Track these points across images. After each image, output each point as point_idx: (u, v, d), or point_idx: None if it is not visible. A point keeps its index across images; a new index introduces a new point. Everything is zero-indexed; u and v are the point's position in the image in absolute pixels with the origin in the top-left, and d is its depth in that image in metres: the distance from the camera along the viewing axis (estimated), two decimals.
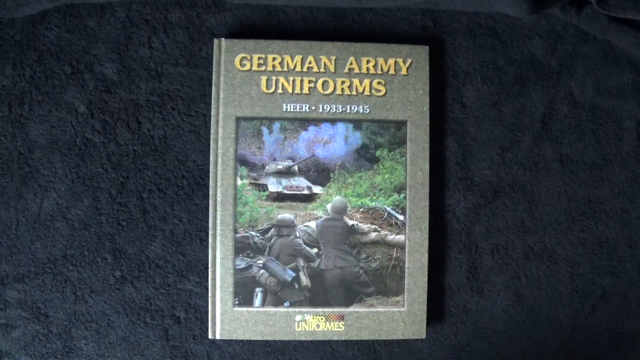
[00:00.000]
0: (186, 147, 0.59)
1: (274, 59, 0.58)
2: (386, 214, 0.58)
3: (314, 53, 0.58)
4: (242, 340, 0.59)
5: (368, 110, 0.58)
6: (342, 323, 0.58)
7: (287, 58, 0.58)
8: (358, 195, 0.58)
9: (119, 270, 0.59)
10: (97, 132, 0.59)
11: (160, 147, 0.59)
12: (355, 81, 0.58)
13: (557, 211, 0.61)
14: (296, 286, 0.57)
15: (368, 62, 0.58)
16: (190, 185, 0.59)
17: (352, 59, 0.58)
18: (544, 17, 0.61)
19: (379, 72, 0.58)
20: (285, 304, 0.57)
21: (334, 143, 0.58)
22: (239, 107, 0.57)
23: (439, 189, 0.60)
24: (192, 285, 0.59)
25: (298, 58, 0.58)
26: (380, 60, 0.58)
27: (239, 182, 0.57)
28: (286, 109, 0.58)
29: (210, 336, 0.57)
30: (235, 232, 0.57)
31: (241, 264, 0.57)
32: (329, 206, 0.58)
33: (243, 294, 0.57)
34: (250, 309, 0.57)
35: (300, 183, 0.58)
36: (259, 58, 0.58)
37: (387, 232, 0.58)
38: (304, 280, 0.58)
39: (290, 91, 0.58)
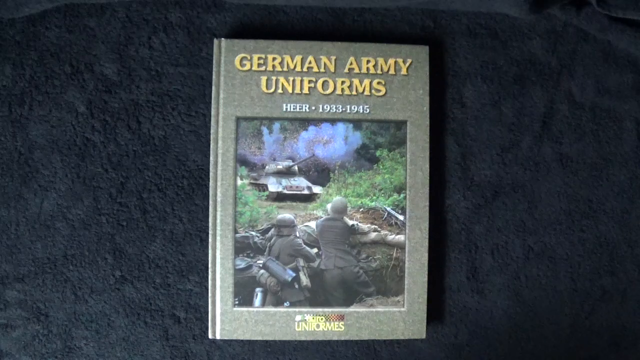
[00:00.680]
0: (186, 147, 0.59)
1: (274, 59, 0.58)
2: (386, 214, 0.58)
3: (314, 53, 0.58)
4: (242, 340, 0.59)
5: (368, 110, 0.58)
6: (342, 323, 0.58)
7: (287, 58, 0.58)
8: (358, 195, 0.58)
9: (119, 270, 0.59)
10: (97, 132, 0.59)
11: (160, 147, 0.59)
12: (355, 81, 0.58)
13: (557, 211, 0.61)
14: (296, 286, 0.57)
15: (368, 62, 0.58)
16: (190, 185, 0.59)
17: (352, 59, 0.58)
18: (544, 17, 0.61)
19: (379, 72, 0.58)
20: (285, 304, 0.57)
21: (334, 143, 0.58)
22: (239, 107, 0.57)
23: (439, 189, 0.60)
24: (192, 285, 0.59)
25: (298, 58, 0.58)
26: (380, 60, 0.58)
27: (239, 182, 0.57)
28: (286, 109, 0.58)
29: (210, 336, 0.57)
30: (235, 232, 0.57)
31: (241, 264, 0.57)
32: (329, 206, 0.58)
33: (243, 294, 0.57)
34: (250, 309, 0.57)
35: (300, 183, 0.58)
36: (259, 58, 0.58)
37: (387, 232, 0.58)
38: (304, 280, 0.58)
39: (290, 91, 0.58)
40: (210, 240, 0.57)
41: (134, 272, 0.59)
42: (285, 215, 0.58)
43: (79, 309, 0.59)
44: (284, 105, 0.58)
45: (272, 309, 0.57)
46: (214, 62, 0.58)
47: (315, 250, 0.58)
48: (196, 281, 0.59)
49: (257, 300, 0.57)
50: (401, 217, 0.58)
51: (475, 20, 0.61)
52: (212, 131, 0.58)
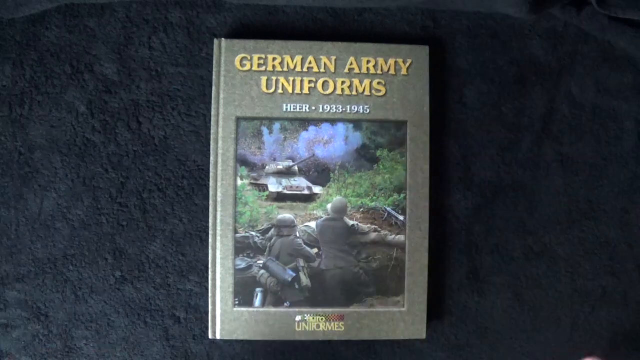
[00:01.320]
0: (186, 147, 0.59)
1: (274, 59, 0.58)
2: (386, 214, 0.58)
3: (314, 53, 0.58)
4: (242, 340, 0.59)
5: (368, 110, 0.58)
6: (342, 323, 0.58)
7: (287, 58, 0.58)
8: (358, 195, 0.58)
9: (119, 270, 0.59)
10: (97, 132, 0.59)
11: (160, 147, 0.59)
12: (355, 81, 0.58)
13: (557, 211, 0.61)
14: (296, 286, 0.57)
15: (368, 62, 0.58)
16: (190, 185, 0.59)
17: (352, 59, 0.58)
18: (544, 17, 0.61)
19: (379, 72, 0.58)
20: (285, 304, 0.57)
21: (334, 143, 0.58)
22: (239, 107, 0.57)
23: (439, 189, 0.60)
24: (192, 285, 0.59)
25: (298, 58, 0.58)
26: (380, 60, 0.58)
27: (239, 182, 0.57)
28: (286, 109, 0.58)
29: (210, 336, 0.57)
30: (235, 232, 0.57)
31: (241, 264, 0.57)
32: (329, 206, 0.58)
33: (243, 294, 0.57)
34: (250, 309, 0.57)
35: (300, 183, 0.58)
36: (259, 58, 0.58)
37: (387, 232, 0.58)
38: (304, 280, 0.58)
39: (290, 91, 0.58)
40: (210, 240, 0.57)
41: (134, 272, 0.59)
42: (285, 215, 0.58)
43: (79, 309, 0.59)
44: (284, 105, 0.58)
45: (272, 309, 0.57)
46: (214, 62, 0.58)
47: (315, 250, 0.58)
48: (196, 281, 0.59)
49: (257, 300, 0.57)
50: (401, 217, 0.58)
51: (475, 20, 0.61)
52: (212, 131, 0.58)
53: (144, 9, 0.59)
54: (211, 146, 0.57)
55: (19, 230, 0.58)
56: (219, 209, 0.57)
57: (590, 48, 0.61)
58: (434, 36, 0.61)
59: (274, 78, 0.58)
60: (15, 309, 0.58)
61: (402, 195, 0.58)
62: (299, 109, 0.58)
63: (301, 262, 0.58)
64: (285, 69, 0.58)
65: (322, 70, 0.58)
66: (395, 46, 0.59)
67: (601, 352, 0.61)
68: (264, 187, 0.58)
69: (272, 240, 0.58)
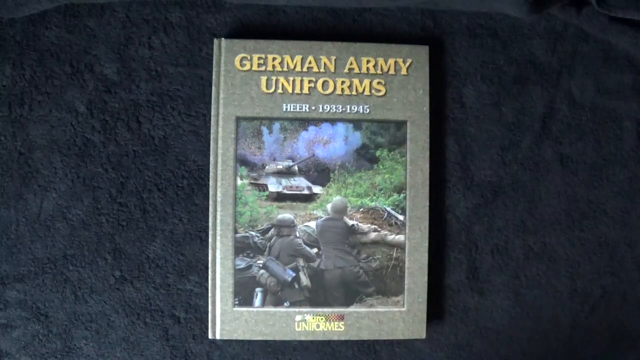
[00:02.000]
0: (186, 147, 0.59)
1: (274, 59, 0.58)
2: (386, 214, 0.58)
3: (314, 53, 0.58)
4: (242, 340, 0.59)
5: (368, 110, 0.58)
6: (342, 323, 0.58)
7: (287, 58, 0.58)
8: (358, 195, 0.58)
9: (119, 270, 0.59)
10: (97, 132, 0.59)
11: (160, 147, 0.59)
12: (355, 81, 0.58)
13: (557, 211, 0.61)
14: (296, 286, 0.57)
15: (368, 62, 0.58)
16: (190, 185, 0.59)
17: (352, 59, 0.58)
18: (544, 17, 0.61)
19: (379, 72, 0.58)
20: (285, 304, 0.57)
21: (334, 143, 0.58)
22: (239, 107, 0.57)
23: (439, 189, 0.60)
24: (192, 285, 0.59)
25: (298, 58, 0.58)
26: (380, 60, 0.58)
27: (239, 182, 0.57)
28: (286, 109, 0.58)
29: (210, 336, 0.57)
30: (235, 232, 0.57)
31: (241, 264, 0.57)
32: (329, 206, 0.58)
33: (243, 294, 0.57)
34: (250, 309, 0.57)
35: (300, 183, 0.58)
36: (259, 58, 0.58)
37: (387, 232, 0.58)
38: (304, 280, 0.58)
39: (290, 91, 0.58)
40: (210, 240, 0.57)
41: (134, 272, 0.59)
42: (285, 215, 0.58)
43: (79, 309, 0.59)
44: (284, 105, 0.58)
45: (272, 309, 0.57)
46: (214, 62, 0.58)
47: (315, 250, 0.58)
48: (196, 281, 0.59)
49: (257, 300, 0.57)
50: (401, 217, 0.58)
51: (475, 20, 0.61)
52: (212, 131, 0.58)
53: (144, 9, 0.59)
54: (211, 146, 0.57)
55: (19, 230, 0.58)
56: (219, 209, 0.57)
57: (590, 48, 0.61)
58: (434, 36, 0.61)
59: (274, 78, 0.58)
60: (15, 309, 0.58)
61: (402, 195, 0.58)
62: (299, 109, 0.58)
63: (301, 262, 0.58)
64: (285, 69, 0.58)
65: (322, 70, 0.58)
66: (395, 46, 0.59)
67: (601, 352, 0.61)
68: (264, 187, 0.58)
69: (272, 240, 0.58)
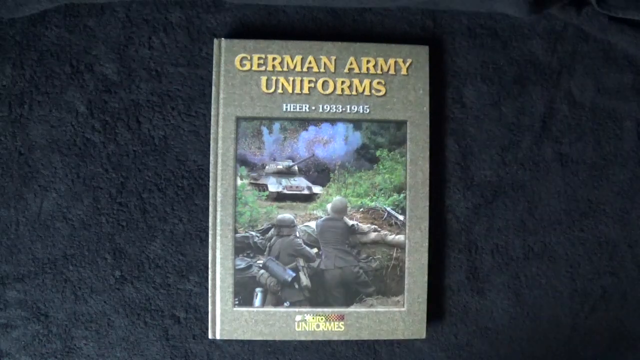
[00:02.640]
0: (186, 147, 0.59)
1: (274, 59, 0.58)
2: (386, 214, 0.58)
3: (314, 53, 0.58)
4: (242, 340, 0.59)
5: (368, 110, 0.58)
6: (342, 323, 0.58)
7: (287, 58, 0.58)
8: (358, 195, 0.58)
9: (119, 270, 0.59)
10: (97, 132, 0.59)
11: (160, 147, 0.59)
12: (355, 81, 0.58)
13: (557, 211, 0.61)
14: (296, 286, 0.57)
15: (368, 62, 0.58)
16: (190, 185, 0.59)
17: (352, 59, 0.58)
18: (544, 17, 0.61)
19: (379, 72, 0.58)
20: (285, 304, 0.57)
21: (334, 143, 0.58)
22: (239, 107, 0.57)
23: (439, 189, 0.60)
24: (192, 285, 0.59)
25: (298, 58, 0.58)
26: (380, 60, 0.58)
27: (239, 182, 0.57)
28: (286, 109, 0.58)
29: (210, 336, 0.57)
30: (235, 232, 0.57)
31: (241, 264, 0.57)
32: (329, 206, 0.58)
33: (243, 294, 0.57)
34: (250, 309, 0.57)
35: (300, 183, 0.58)
36: (259, 58, 0.58)
37: (387, 232, 0.58)
38: (304, 280, 0.58)
39: (290, 91, 0.58)
40: (210, 240, 0.57)
41: (134, 272, 0.59)
42: (285, 215, 0.58)
43: (79, 309, 0.59)
44: (284, 105, 0.58)
45: (272, 309, 0.57)
46: (214, 62, 0.58)
47: (315, 250, 0.58)
48: (196, 281, 0.59)
49: (257, 300, 0.57)
50: (401, 217, 0.58)
51: (475, 20, 0.61)
52: (212, 131, 0.58)
53: (144, 9, 0.59)
54: (211, 146, 0.57)
55: (19, 230, 0.58)
56: (219, 209, 0.57)
57: (590, 48, 0.61)
58: (434, 36, 0.61)
59: (274, 78, 0.58)
60: (15, 309, 0.58)
61: (402, 195, 0.58)
62: (299, 109, 0.58)
63: (301, 262, 0.58)
64: (285, 69, 0.58)
65: (322, 70, 0.58)
66: (395, 46, 0.59)
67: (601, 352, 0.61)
68: (264, 187, 0.58)
69: (272, 240, 0.58)
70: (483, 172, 0.61)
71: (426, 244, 0.58)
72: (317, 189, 0.58)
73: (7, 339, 0.58)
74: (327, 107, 0.58)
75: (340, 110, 0.58)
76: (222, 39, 0.58)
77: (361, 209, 0.58)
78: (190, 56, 0.59)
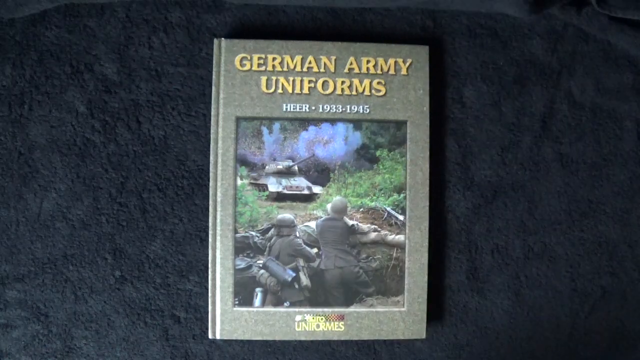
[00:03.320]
0: (186, 147, 0.59)
1: (274, 59, 0.58)
2: (386, 214, 0.58)
3: (314, 53, 0.58)
4: (242, 340, 0.59)
5: (368, 110, 0.58)
6: (342, 323, 0.58)
7: (287, 58, 0.58)
8: (358, 195, 0.58)
9: (119, 270, 0.59)
10: (97, 132, 0.59)
11: (160, 147, 0.59)
12: (355, 81, 0.58)
13: (557, 211, 0.61)
14: (296, 286, 0.57)
15: (368, 62, 0.58)
16: (190, 185, 0.59)
17: (352, 59, 0.58)
18: (544, 17, 0.61)
19: (379, 72, 0.58)
20: (285, 304, 0.57)
21: (334, 143, 0.58)
22: (239, 107, 0.57)
23: (439, 189, 0.60)
24: (192, 285, 0.59)
25: (298, 58, 0.58)
26: (380, 60, 0.58)
27: (239, 182, 0.57)
28: (286, 109, 0.58)
29: (210, 336, 0.57)
30: (235, 232, 0.57)
31: (241, 264, 0.57)
32: (329, 206, 0.58)
33: (243, 294, 0.57)
34: (250, 309, 0.57)
35: (300, 183, 0.58)
36: (259, 58, 0.58)
37: (387, 232, 0.58)
38: (304, 280, 0.58)
39: (290, 91, 0.58)
40: (210, 240, 0.57)
41: (134, 272, 0.59)
42: (285, 215, 0.58)
43: (79, 309, 0.59)
44: (284, 105, 0.58)
45: (272, 309, 0.57)
46: (214, 62, 0.58)
47: (315, 250, 0.58)
48: (196, 281, 0.59)
49: (257, 300, 0.57)
50: (401, 217, 0.58)
51: (475, 20, 0.61)
52: (212, 131, 0.58)
53: (144, 9, 0.59)
54: (211, 146, 0.57)
55: (19, 230, 0.58)
56: (219, 209, 0.57)
57: (590, 48, 0.61)
58: (434, 36, 0.61)
59: (274, 78, 0.58)
60: (15, 309, 0.58)
61: (402, 195, 0.58)
62: (299, 109, 0.58)
63: (301, 262, 0.58)
64: (285, 69, 0.58)
65: (322, 70, 0.58)
66: (395, 46, 0.59)
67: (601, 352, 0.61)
68: (264, 187, 0.58)
69: (272, 240, 0.58)
70: (483, 172, 0.61)
71: (426, 244, 0.58)
72: (317, 189, 0.58)
73: (7, 339, 0.58)
74: (327, 107, 0.58)
75: (340, 110, 0.58)
76: (222, 39, 0.58)
77: (361, 209, 0.58)
78: (190, 56, 0.59)
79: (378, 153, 0.58)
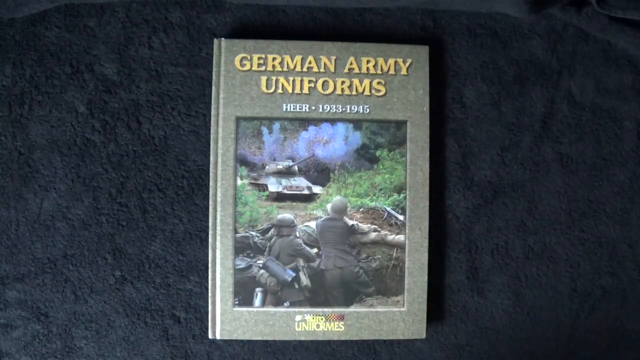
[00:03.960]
0: (186, 147, 0.59)
1: (274, 59, 0.58)
2: (386, 214, 0.58)
3: (314, 53, 0.58)
4: (242, 340, 0.59)
5: (368, 110, 0.58)
6: (342, 323, 0.58)
7: (287, 58, 0.58)
8: (358, 195, 0.58)
9: (119, 270, 0.59)
10: (97, 132, 0.59)
11: (160, 147, 0.59)
12: (355, 81, 0.58)
13: (557, 211, 0.61)
14: (296, 286, 0.57)
15: (368, 62, 0.58)
16: (190, 185, 0.59)
17: (352, 59, 0.58)
18: (544, 17, 0.61)
19: (379, 72, 0.58)
20: (285, 304, 0.57)
21: (334, 143, 0.58)
22: (239, 107, 0.57)
23: (439, 189, 0.60)
24: (192, 285, 0.59)
25: (298, 58, 0.58)
26: (380, 60, 0.58)
27: (239, 182, 0.57)
28: (286, 109, 0.58)
29: (210, 336, 0.57)
30: (235, 232, 0.57)
31: (241, 264, 0.57)
32: (329, 206, 0.58)
33: (243, 294, 0.57)
34: (250, 309, 0.57)
35: (300, 183, 0.58)
36: (259, 58, 0.58)
37: (387, 232, 0.58)
38: (304, 280, 0.58)
39: (290, 91, 0.58)
40: (210, 240, 0.57)
41: (134, 272, 0.59)
42: (285, 215, 0.58)
43: (79, 309, 0.59)
44: (284, 105, 0.58)
45: (272, 309, 0.57)
46: (214, 62, 0.58)
47: (315, 250, 0.58)
48: (196, 281, 0.59)
49: (257, 300, 0.57)
50: (401, 217, 0.58)
51: (475, 20, 0.61)
52: (212, 131, 0.58)
53: (144, 9, 0.59)
54: (211, 146, 0.57)
55: (19, 230, 0.58)
56: (219, 209, 0.57)
57: (590, 48, 0.61)
58: (434, 36, 0.61)
59: (274, 78, 0.58)
60: (15, 309, 0.58)
61: (402, 195, 0.58)
62: (299, 109, 0.58)
63: (301, 262, 0.58)
64: (285, 69, 0.58)
65: (322, 70, 0.58)
66: (395, 46, 0.59)
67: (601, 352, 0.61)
68: (264, 187, 0.58)
69: (272, 240, 0.58)
70: (483, 172, 0.61)
71: (426, 244, 0.58)
72: (317, 189, 0.58)
73: (7, 339, 0.58)
74: (327, 107, 0.58)
75: (340, 110, 0.58)
76: (222, 39, 0.58)
77: (361, 209, 0.58)
78: (190, 56, 0.59)
79: (378, 153, 0.58)
